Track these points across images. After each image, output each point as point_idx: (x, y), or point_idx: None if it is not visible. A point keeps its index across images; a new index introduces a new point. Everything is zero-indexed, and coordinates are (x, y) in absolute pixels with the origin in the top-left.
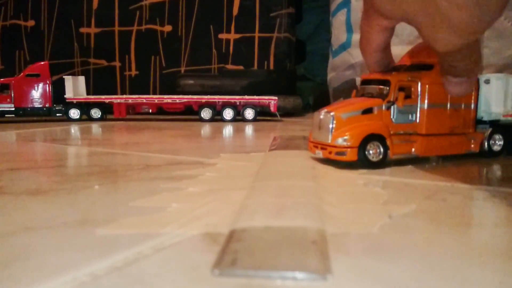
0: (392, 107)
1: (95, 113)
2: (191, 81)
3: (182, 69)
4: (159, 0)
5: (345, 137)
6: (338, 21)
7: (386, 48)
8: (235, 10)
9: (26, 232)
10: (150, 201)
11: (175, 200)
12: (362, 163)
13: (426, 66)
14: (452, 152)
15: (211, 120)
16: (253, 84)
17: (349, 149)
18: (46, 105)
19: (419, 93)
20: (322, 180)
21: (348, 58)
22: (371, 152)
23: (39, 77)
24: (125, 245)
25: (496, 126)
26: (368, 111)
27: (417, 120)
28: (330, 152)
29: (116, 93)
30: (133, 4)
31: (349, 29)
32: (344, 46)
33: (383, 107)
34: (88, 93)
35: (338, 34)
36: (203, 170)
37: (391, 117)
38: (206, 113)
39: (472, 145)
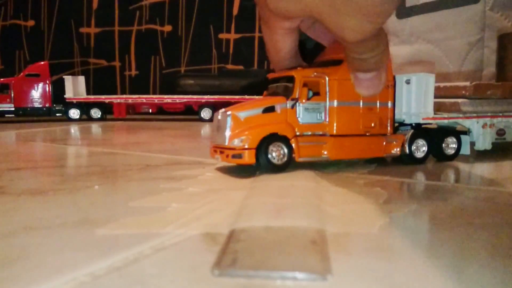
0: (297, 105)
1: (95, 113)
2: (191, 81)
3: (182, 69)
4: (159, 0)
5: (242, 138)
6: None
7: (296, 54)
8: (235, 10)
9: (26, 232)
10: (150, 201)
11: (175, 200)
12: (264, 166)
13: (336, 62)
14: (369, 155)
15: (211, 120)
16: (253, 84)
17: (246, 151)
18: (46, 105)
19: (327, 90)
20: (322, 180)
21: None
22: (274, 154)
23: (39, 77)
24: (125, 245)
25: (418, 129)
26: (269, 109)
27: (327, 120)
28: (227, 156)
29: (116, 93)
30: (133, 4)
31: None
32: None
33: (287, 105)
34: (88, 93)
35: None
36: (203, 170)
37: (297, 116)
38: (206, 113)
39: (394, 148)
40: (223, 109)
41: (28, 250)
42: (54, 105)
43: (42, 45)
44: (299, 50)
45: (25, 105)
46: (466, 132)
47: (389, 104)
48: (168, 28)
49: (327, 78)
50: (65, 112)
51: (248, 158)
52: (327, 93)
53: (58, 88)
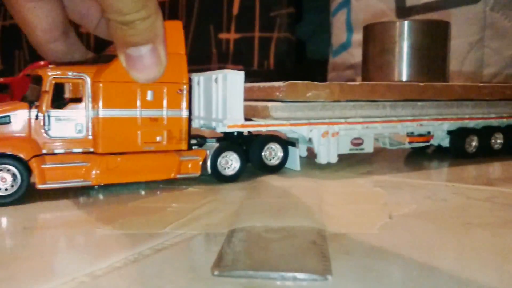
0: (46, 115)
1: None
2: None
3: None
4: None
5: None
6: (338, 21)
7: (65, 34)
8: (235, 10)
9: (26, 232)
10: (150, 201)
11: (175, 200)
12: None
13: (110, 58)
14: (155, 177)
15: None
16: None
17: None
18: None
19: (88, 94)
20: (322, 180)
21: (348, 58)
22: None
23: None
24: (125, 245)
25: (226, 140)
26: (3, 120)
27: (89, 134)
28: None
29: None
30: None
31: (349, 29)
32: (344, 46)
33: (30, 115)
34: None
35: (338, 34)
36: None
37: (46, 129)
38: None
39: (189, 167)
40: None
41: (28, 250)
42: None
43: None
44: (74, 32)
45: None
46: (294, 143)
47: (182, 113)
48: None
49: (88, 79)
50: None
51: None
52: (89, 99)
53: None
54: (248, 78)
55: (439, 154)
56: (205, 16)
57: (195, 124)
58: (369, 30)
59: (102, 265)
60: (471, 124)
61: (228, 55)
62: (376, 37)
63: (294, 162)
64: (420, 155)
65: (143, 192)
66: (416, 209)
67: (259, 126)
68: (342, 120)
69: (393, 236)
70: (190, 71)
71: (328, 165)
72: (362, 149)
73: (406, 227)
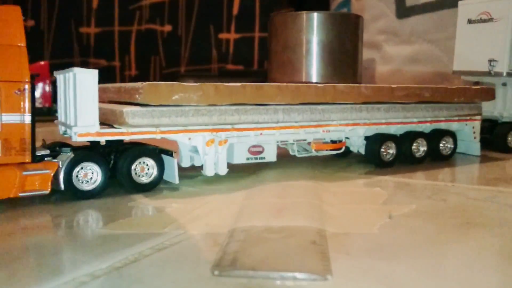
0: None
1: None
2: (191, 81)
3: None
4: (159, 0)
5: None
6: None
7: None
8: (235, 10)
9: (26, 232)
10: (150, 201)
11: (175, 200)
12: None
13: None
14: None
15: None
16: None
17: None
18: (46, 105)
19: None
20: (322, 180)
21: None
22: None
23: (39, 77)
24: (125, 245)
25: (86, 149)
26: None
27: None
28: None
29: None
30: (133, 4)
31: None
32: None
33: None
34: None
35: None
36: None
37: None
38: None
39: (37, 183)
40: None
41: (28, 250)
42: (54, 104)
43: (42, 45)
44: None
45: None
46: (172, 152)
47: (24, 118)
48: (168, 28)
49: None
50: None
51: None
52: None
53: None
54: (248, 78)
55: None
56: (205, 16)
57: (60, 131)
58: (271, 23)
59: (102, 265)
60: (391, 129)
61: (228, 55)
62: (278, 31)
63: (171, 174)
64: None
65: (143, 192)
66: (416, 209)
67: (120, 135)
68: (229, 126)
69: (393, 236)
70: (190, 71)
71: (328, 165)
72: (263, 158)
73: (406, 227)
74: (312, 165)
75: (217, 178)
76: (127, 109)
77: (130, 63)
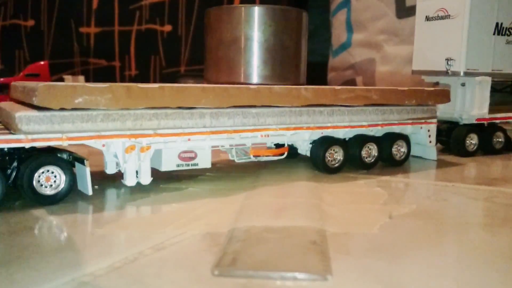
0: None
1: None
2: (191, 81)
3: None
4: (159, 0)
5: None
6: (338, 21)
7: None
8: None
9: (26, 232)
10: (150, 201)
11: (175, 200)
12: None
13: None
14: None
15: None
16: None
17: None
18: None
19: None
20: (322, 180)
21: (348, 58)
22: None
23: (38, 76)
24: (125, 245)
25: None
26: None
27: None
28: None
29: None
30: (133, 4)
31: (349, 29)
32: (344, 46)
33: None
34: None
35: (338, 34)
36: (203, 170)
37: None
38: None
39: None
40: None
41: (28, 250)
42: None
43: (42, 44)
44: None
45: None
46: (83, 159)
47: None
48: (168, 28)
49: None
50: None
51: None
52: None
53: None
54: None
55: (439, 156)
56: (205, 16)
57: None
58: (207, 17)
59: (102, 265)
60: (340, 133)
61: None
62: (213, 26)
63: (84, 184)
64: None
65: (143, 192)
66: (416, 209)
67: (17, 142)
68: (151, 132)
69: (393, 236)
70: (190, 70)
71: None
72: (196, 164)
73: (406, 227)
74: (312, 165)
75: (217, 178)
76: (20, 113)
77: (130, 63)
